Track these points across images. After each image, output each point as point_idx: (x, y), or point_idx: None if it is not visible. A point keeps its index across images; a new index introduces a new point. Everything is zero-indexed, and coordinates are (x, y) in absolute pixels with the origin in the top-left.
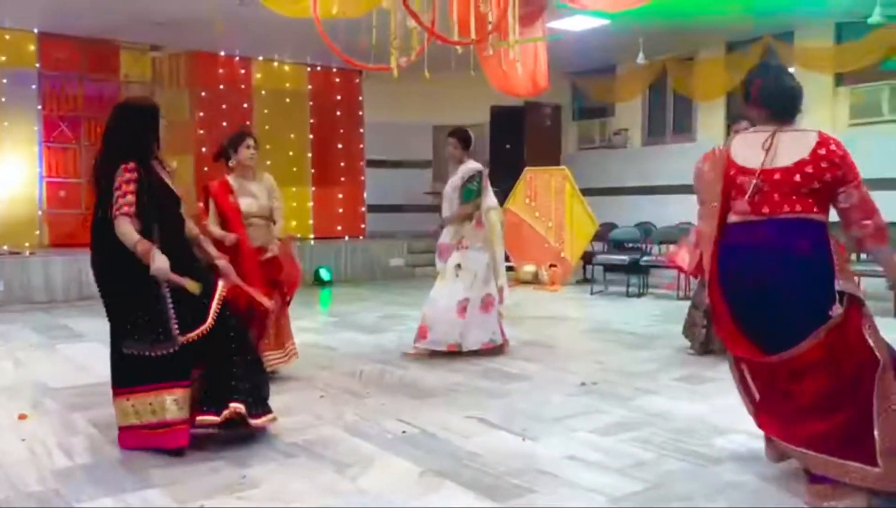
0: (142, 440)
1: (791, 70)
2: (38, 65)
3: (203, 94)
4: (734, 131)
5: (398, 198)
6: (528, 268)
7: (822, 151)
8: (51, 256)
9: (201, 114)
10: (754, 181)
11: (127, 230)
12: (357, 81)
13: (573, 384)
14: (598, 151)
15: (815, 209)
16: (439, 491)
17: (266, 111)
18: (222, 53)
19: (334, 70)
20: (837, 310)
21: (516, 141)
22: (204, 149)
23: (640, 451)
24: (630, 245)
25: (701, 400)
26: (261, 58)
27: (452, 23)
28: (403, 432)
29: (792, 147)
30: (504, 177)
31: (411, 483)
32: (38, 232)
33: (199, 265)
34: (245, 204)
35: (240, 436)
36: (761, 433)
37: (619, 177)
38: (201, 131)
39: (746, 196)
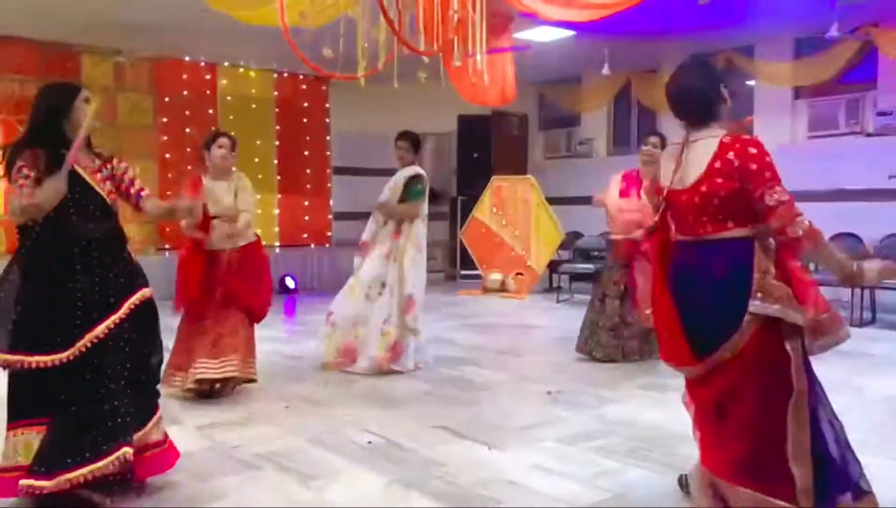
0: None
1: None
2: None
3: (167, 99)
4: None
5: (365, 206)
6: (495, 276)
7: (718, 165)
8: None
9: (165, 120)
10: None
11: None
12: (324, 88)
13: (539, 392)
14: (564, 161)
15: (730, 225)
16: (405, 502)
17: (231, 117)
18: (187, 59)
19: (301, 77)
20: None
21: (483, 150)
22: (167, 155)
23: (605, 460)
24: (595, 254)
25: (664, 408)
26: (226, 63)
27: (419, 33)
28: (369, 442)
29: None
30: (471, 185)
31: (377, 494)
32: None
33: (122, 268)
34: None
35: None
36: None
37: (585, 186)
38: (165, 137)
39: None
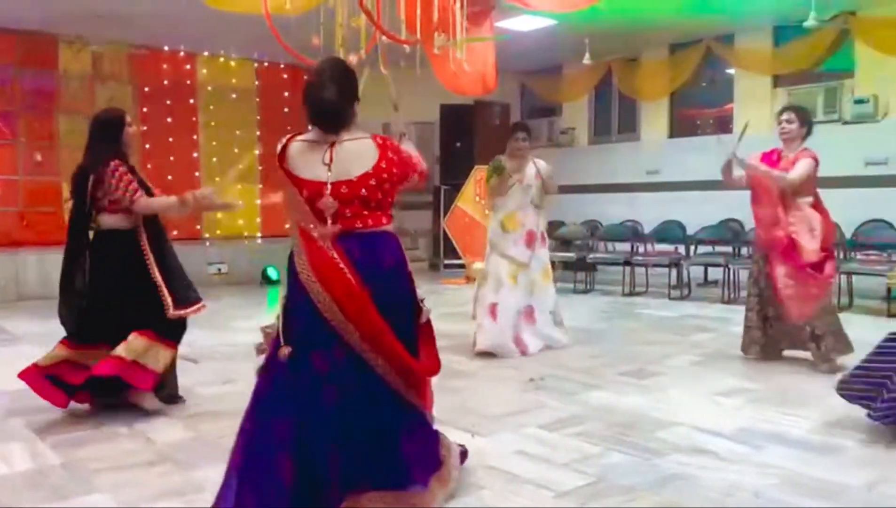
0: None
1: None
2: None
3: (146, 89)
4: None
5: None
6: (478, 265)
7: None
8: None
9: (145, 110)
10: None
11: (155, 201)
12: (306, 77)
13: (521, 380)
14: (546, 150)
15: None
16: None
17: (212, 107)
18: (166, 48)
19: (282, 66)
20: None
21: (466, 139)
22: (147, 145)
23: (586, 445)
24: (577, 242)
25: (645, 394)
26: (206, 53)
27: (400, 21)
28: None
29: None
30: (454, 175)
31: None
32: None
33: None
34: None
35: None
36: (703, 425)
37: (566, 175)
38: (145, 128)
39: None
